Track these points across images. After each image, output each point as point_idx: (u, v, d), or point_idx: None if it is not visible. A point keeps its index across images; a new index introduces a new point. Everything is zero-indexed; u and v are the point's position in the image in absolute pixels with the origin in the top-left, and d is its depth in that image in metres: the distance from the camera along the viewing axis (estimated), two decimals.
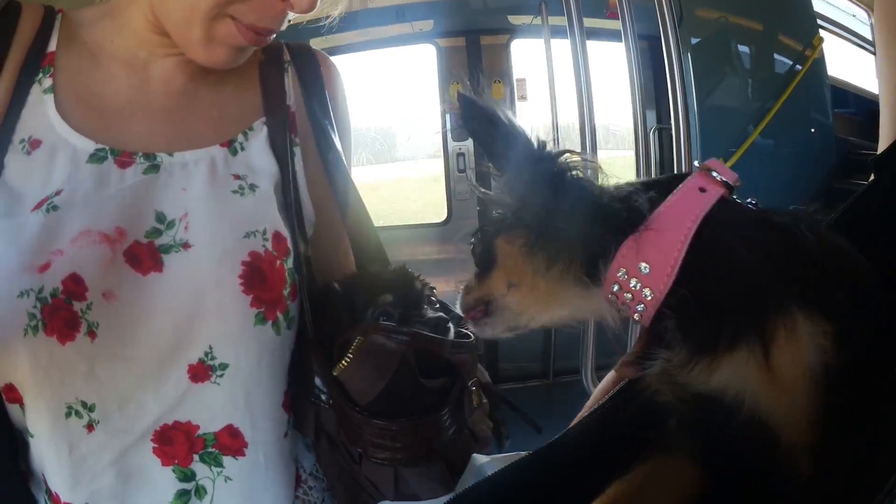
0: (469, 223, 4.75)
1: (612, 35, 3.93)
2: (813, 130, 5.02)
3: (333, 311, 0.98)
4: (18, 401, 0.87)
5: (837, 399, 0.58)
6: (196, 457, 0.93)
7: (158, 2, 0.92)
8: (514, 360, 4.86)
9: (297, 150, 1.07)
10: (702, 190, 0.66)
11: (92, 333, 0.84)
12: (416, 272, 1.06)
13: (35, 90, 0.93)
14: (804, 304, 0.59)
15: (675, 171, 2.50)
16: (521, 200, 0.73)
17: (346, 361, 0.88)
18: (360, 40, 4.69)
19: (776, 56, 4.96)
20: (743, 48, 4.82)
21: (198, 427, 0.92)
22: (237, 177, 0.97)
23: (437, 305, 1.03)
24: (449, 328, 0.96)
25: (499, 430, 1.07)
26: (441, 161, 4.86)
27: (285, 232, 0.96)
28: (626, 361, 0.78)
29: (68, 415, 0.86)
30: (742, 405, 0.60)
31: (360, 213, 1.13)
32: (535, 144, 0.73)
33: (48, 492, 0.91)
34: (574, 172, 0.70)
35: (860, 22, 6.43)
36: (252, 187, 0.97)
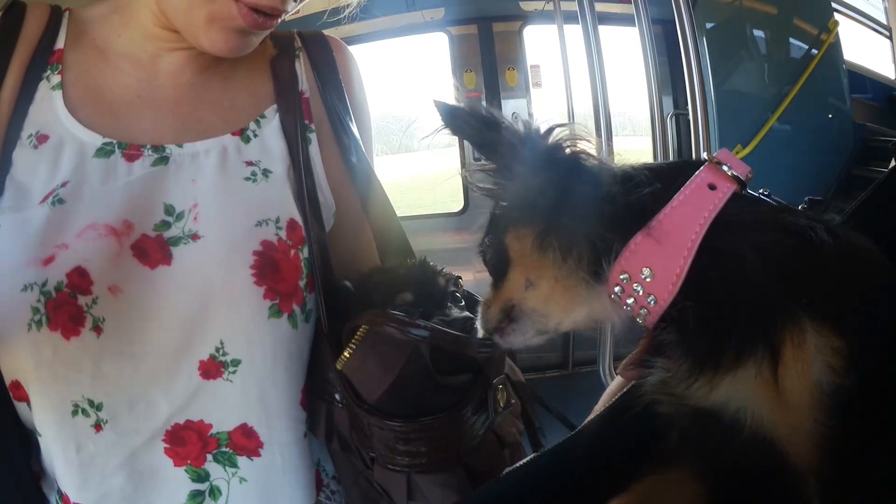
0: (486, 212, 4.77)
1: (625, 19, 3.91)
2: (830, 116, 4.99)
3: (349, 309, 0.93)
4: (25, 399, 0.86)
5: (848, 421, 0.54)
6: (209, 456, 0.91)
7: None
8: (533, 350, 4.83)
9: (313, 137, 1.05)
10: (711, 187, 0.63)
11: (98, 329, 0.82)
12: (440, 266, 1.02)
13: (43, 87, 0.93)
14: (815, 316, 0.55)
15: (694, 158, 2.46)
16: (521, 188, 0.70)
17: (348, 352, 0.84)
18: (371, 30, 4.71)
19: (791, 40, 4.93)
20: (758, 32, 4.79)
21: (210, 426, 0.90)
22: (250, 163, 0.96)
23: (463, 303, 0.98)
24: (476, 329, 0.84)
25: (534, 432, 1.02)
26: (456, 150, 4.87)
27: (300, 219, 0.94)
28: (630, 364, 0.74)
29: (75, 413, 0.84)
30: (744, 422, 0.57)
31: (381, 200, 1.11)
32: (523, 126, 0.71)
33: (59, 492, 0.90)
34: (568, 149, 0.68)
35: (874, 7, 6.38)
36: (265, 173, 0.96)
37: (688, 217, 0.61)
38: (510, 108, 4.71)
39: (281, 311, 0.89)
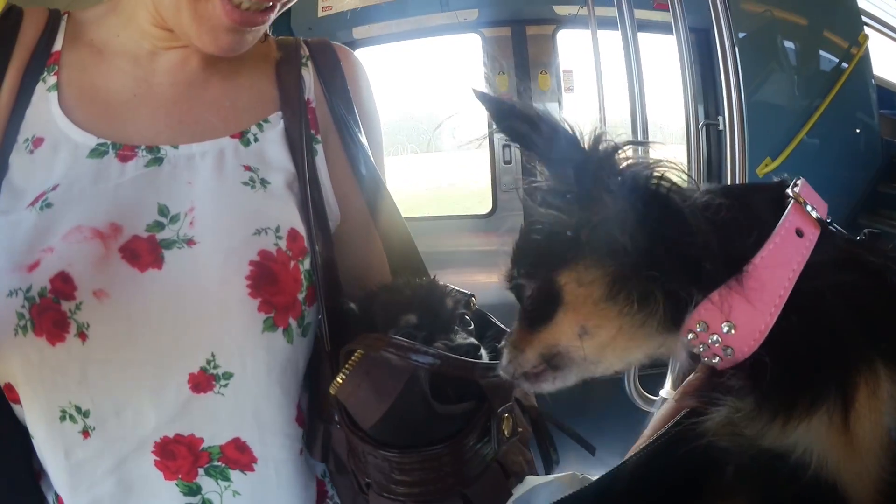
0: (515, 215, 4.76)
1: (657, 27, 3.92)
2: (858, 131, 4.99)
3: (352, 326, 0.90)
4: (18, 401, 0.85)
5: None
6: (201, 470, 0.88)
7: None
8: None
9: (319, 148, 1.03)
10: (798, 233, 0.60)
11: (83, 335, 0.80)
12: (449, 287, 0.98)
13: (39, 89, 0.93)
14: (890, 362, 0.55)
15: (730, 170, 2.45)
16: (597, 222, 0.61)
17: (341, 377, 0.79)
18: (404, 29, 4.74)
19: (821, 52, 4.94)
20: (788, 44, 4.79)
21: (201, 440, 0.87)
22: (248, 168, 0.94)
23: (472, 326, 0.95)
24: (481, 356, 0.85)
25: (549, 456, 0.98)
26: (486, 151, 4.88)
27: (302, 230, 0.92)
28: (688, 393, 0.72)
29: (62, 419, 0.83)
30: (810, 463, 0.56)
31: (391, 211, 1.07)
32: (590, 140, 0.61)
33: (57, 493, 0.90)
34: (657, 180, 0.60)
35: None
36: (263, 182, 0.93)
37: (778, 271, 0.59)
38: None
39: (276, 325, 0.87)
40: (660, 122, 5.42)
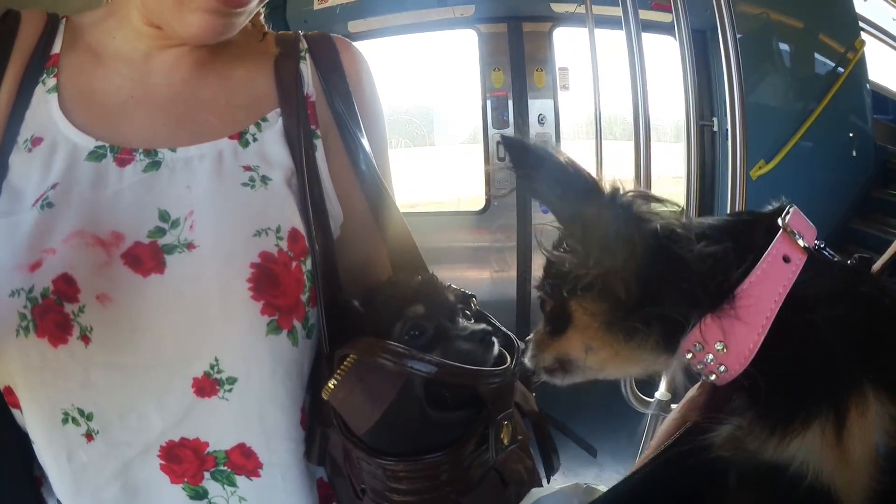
0: (508, 212, 4.83)
1: (653, 27, 3.94)
2: (851, 135, 5.00)
3: (355, 327, 0.88)
4: (17, 405, 0.85)
5: None
6: (207, 474, 0.89)
7: None
8: None
9: (319, 143, 1.02)
10: (786, 259, 0.66)
11: (85, 338, 0.80)
12: (447, 283, 0.98)
13: (39, 91, 0.93)
14: (878, 385, 0.61)
15: (730, 172, 2.46)
16: (597, 260, 0.67)
17: (334, 382, 0.79)
18: (401, 24, 4.74)
19: (817, 56, 4.96)
20: (784, 47, 4.81)
21: (207, 444, 0.87)
22: (248, 168, 0.93)
23: (473, 320, 0.94)
24: (493, 342, 0.87)
25: (551, 462, 1.00)
26: (480, 145, 4.91)
27: (303, 229, 0.91)
28: (690, 407, 0.80)
29: (65, 421, 0.83)
30: (807, 475, 0.61)
31: (392, 209, 1.07)
32: (609, 189, 0.67)
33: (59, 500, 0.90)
34: (663, 231, 0.66)
35: None
36: (264, 179, 0.92)
37: (765, 293, 0.65)
38: (537, 108, 4.76)
39: (280, 328, 0.86)
40: (653, 121, 5.46)
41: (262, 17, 1.06)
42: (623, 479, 0.78)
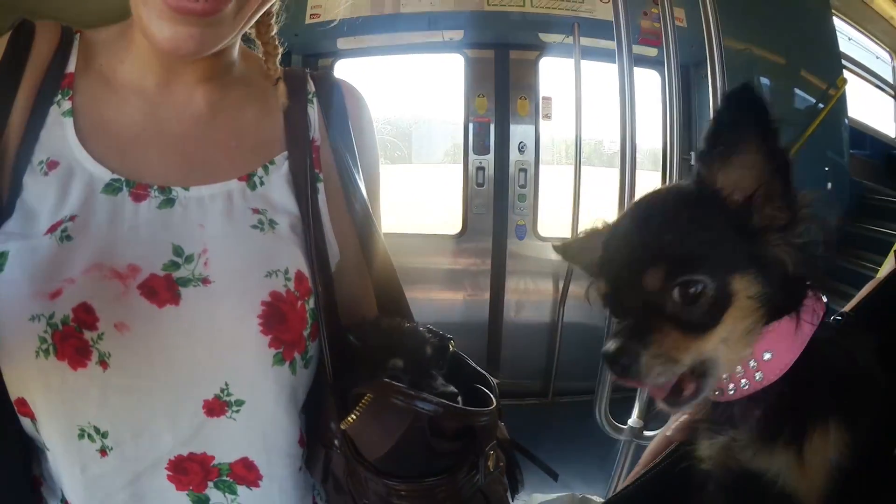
0: (483, 237, 4.89)
1: (640, 61, 3.98)
2: (827, 169, 5.07)
3: (350, 361, 0.97)
4: (30, 416, 0.87)
5: (846, 489, 0.71)
6: (210, 483, 0.93)
7: None
8: (513, 375, 4.92)
9: (321, 186, 1.05)
10: (816, 301, 0.75)
11: (104, 363, 0.83)
12: (431, 332, 1.02)
13: (54, 112, 0.93)
14: (840, 419, 0.72)
15: None
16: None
17: (353, 416, 0.86)
18: (389, 44, 4.78)
19: (798, 92, 5.02)
20: (765, 81, 4.88)
21: (213, 458, 0.92)
22: (256, 210, 0.97)
23: (444, 370, 1.00)
24: (458, 402, 0.91)
25: (515, 482, 1.06)
26: (459, 167, 4.93)
27: (307, 271, 0.96)
28: (682, 427, 0.86)
29: (81, 437, 0.85)
30: (776, 482, 0.72)
31: (381, 250, 1.11)
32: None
33: (63, 500, 0.93)
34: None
35: (883, 63, 6.49)
36: (271, 223, 0.96)
37: (807, 321, 0.73)
38: (518, 136, 4.82)
39: (284, 359, 0.91)
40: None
41: (277, 60, 1.08)
42: (612, 496, 0.89)
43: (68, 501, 0.92)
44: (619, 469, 2.85)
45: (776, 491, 0.72)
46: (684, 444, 0.84)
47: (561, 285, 4.71)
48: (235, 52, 1.04)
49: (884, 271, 1.03)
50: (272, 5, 1.01)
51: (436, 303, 5.05)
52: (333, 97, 1.11)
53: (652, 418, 2.76)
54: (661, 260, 0.71)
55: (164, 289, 0.86)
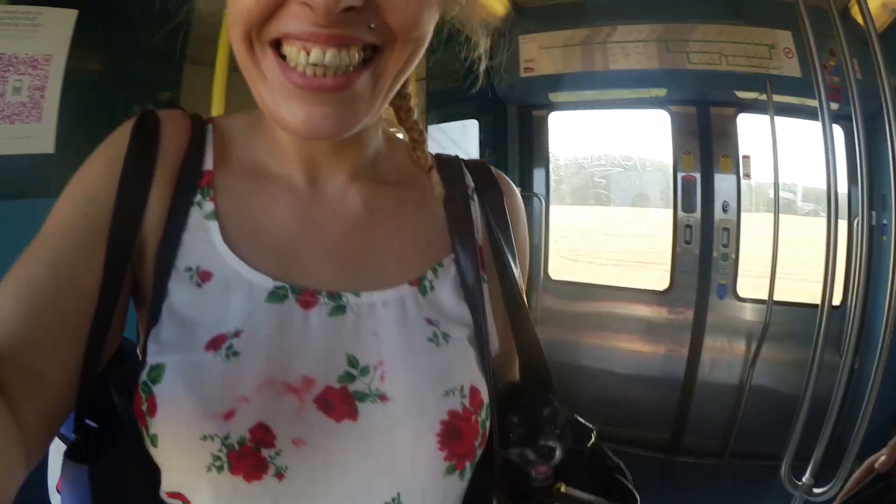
0: (687, 295, 4.93)
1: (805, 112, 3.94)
2: None
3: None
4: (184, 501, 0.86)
5: None
6: None
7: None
8: (697, 434, 4.92)
9: (485, 287, 1.02)
10: None
11: (280, 475, 0.82)
12: (575, 417, 1.08)
13: (195, 214, 0.89)
14: None
15: (891, 265, 2.71)
16: None
17: None
18: (598, 99, 5.02)
19: None
20: None
21: None
22: (430, 321, 0.93)
23: (558, 432, 1.03)
24: (555, 456, 1.00)
25: None
26: (660, 214, 5.03)
27: (481, 385, 0.93)
28: (884, 461, 0.96)
29: None
30: None
31: (529, 333, 1.08)
32: None
33: None
34: None
35: None
36: (445, 337, 0.93)
37: None
38: (721, 193, 4.81)
39: (455, 469, 0.90)
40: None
41: (425, 147, 1.07)
42: None
43: None
44: None
45: None
46: (887, 476, 0.96)
47: (753, 346, 4.60)
48: (379, 139, 1.02)
49: None
50: (408, 88, 1.03)
51: (636, 355, 5.18)
52: (493, 193, 1.09)
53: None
54: None
55: (340, 402, 0.85)
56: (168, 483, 0.82)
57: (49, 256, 0.76)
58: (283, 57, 0.76)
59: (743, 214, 4.76)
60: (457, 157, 1.13)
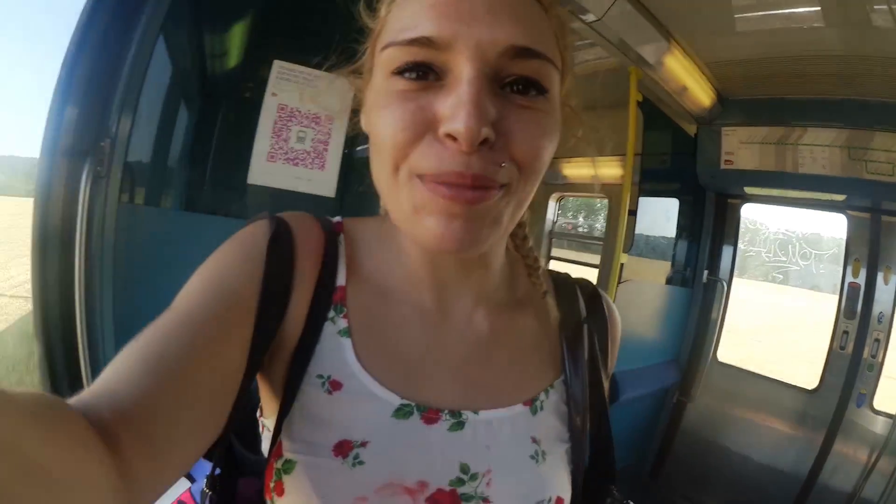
0: (829, 398, 5.07)
1: None
2: None
3: None
4: None
5: None
6: None
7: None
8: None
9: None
10: None
11: None
12: (614, 491, 1.11)
13: (328, 329, 0.93)
14: None
15: None
16: None
17: None
18: (784, 196, 5.24)
19: None
20: None
21: None
22: (534, 440, 0.98)
23: None
24: None
25: None
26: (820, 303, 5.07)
27: (566, 495, 0.99)
28: None
29: None
30: None
31: (606, 442, 1.12)
32: None
33: None
34: None
35: None
36: (544, 455, 0.98)
37: None
38: (879, 306, 4.93)
39: None
40: None
41: (539, 274, 1.09)
42: None
43: None
44: None
45: None
46: None
47: (872, 459, 4.73)
48: (502, 261, 1.05)
49: None
50: (525, 216, 1.05)
51: (772, 445, 5.37)
52: (602, 321, 1.14)
53: None
54: None
55: (449, 502, 0.90)
56: None
57: (184, 334, 0.76)
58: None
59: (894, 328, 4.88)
60: (568, 275, 1.18)
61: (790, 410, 5.26)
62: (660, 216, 5.47)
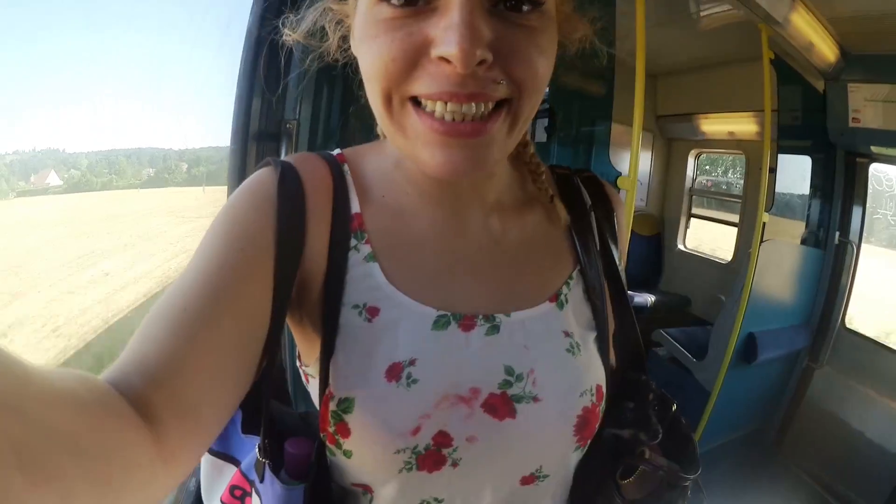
0: None
1: None
2: None
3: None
4: (370, 492, 0.97)
5: None
6: None
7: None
8: None
9: (605, 291, 1.12)
10: None
11: (455, 464, 0.92)
12: (652, 384, 1.15)
13: (354, 257, 0.94)
14: None
15: None
16: None
17: (629, 481, 1.08)
18: None
19: None
20: None
21: None
22: (567, 334, 1.01)
23: (658, 413, 1.15)
24: (659, 435, 1.11)
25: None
26: None
27: (603, 382, 1.03)
28: None
29: (421, 502, 0.96)
30: None
31: (629, 320, 1.16)
32: None
33: None
34: None
35: None
36: (579, 346, 1.01)
37: None
38: None
39: (580, 446, 1.00)
40: None
41: (543, 178, 1.11)
42: None
43: None
44: None
45: None
46: None
47: None
48: (507, 167, 1.07)
49: None
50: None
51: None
52: (606, 206, 1.16)
53: None
54: None
55: (502, 405, 0.93)
56: (356, 478, 0.95)
57: (205, 286, 0.78)
58: (419, 104, 0.78)
59: None
60: (568, 169, 1.20)
61: None
62: (794, 174, 5.15)
